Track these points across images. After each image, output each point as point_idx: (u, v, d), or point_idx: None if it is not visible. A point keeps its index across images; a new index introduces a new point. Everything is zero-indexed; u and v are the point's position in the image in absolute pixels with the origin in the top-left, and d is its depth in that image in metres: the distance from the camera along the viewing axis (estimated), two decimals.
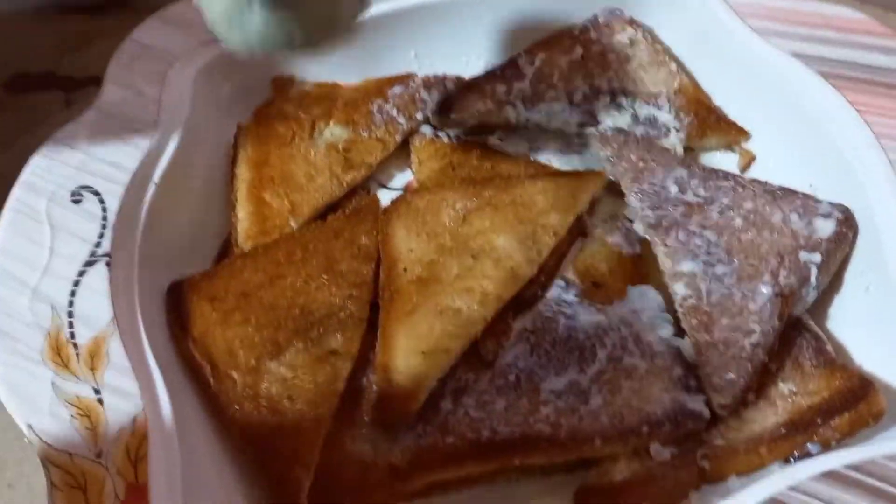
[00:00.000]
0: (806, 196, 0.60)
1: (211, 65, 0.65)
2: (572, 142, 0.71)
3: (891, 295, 0.54)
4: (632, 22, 0.73)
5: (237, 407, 0.52)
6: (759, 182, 0.62)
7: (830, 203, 0.59)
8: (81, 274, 0.52)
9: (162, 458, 0.46)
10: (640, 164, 0.63)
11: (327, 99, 0.71)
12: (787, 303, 0.54)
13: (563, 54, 0.71)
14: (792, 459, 0.50)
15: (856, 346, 0.57)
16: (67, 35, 0.82)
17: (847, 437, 0.50)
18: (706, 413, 0.53)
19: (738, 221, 0.58)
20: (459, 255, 0.60)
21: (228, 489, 0.51)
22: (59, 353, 0.49)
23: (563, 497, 0.53)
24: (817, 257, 0.56)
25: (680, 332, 0.56)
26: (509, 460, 0.51)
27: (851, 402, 0.50)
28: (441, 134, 0.71)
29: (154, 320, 0.54)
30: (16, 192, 0.55)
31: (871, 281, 0.56)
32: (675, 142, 0.68)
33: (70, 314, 0.50)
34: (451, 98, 0.70)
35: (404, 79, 0.72)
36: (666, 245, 0.58)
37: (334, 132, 0.68)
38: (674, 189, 0.61)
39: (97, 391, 0.48)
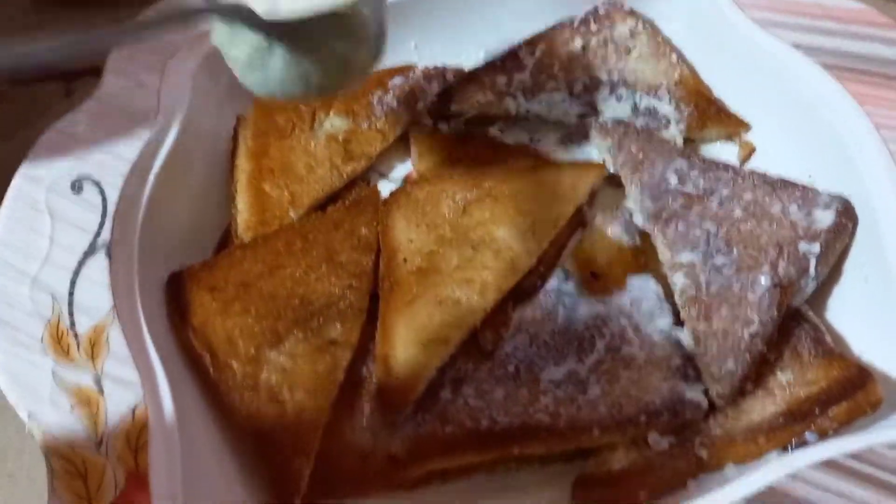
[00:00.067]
0: (805, 187, 0.60)
1: (211, 56, 0.64)
2: (572, 133, 0.71)
3: (889, 285, 0.54)
4: (632, 13, 0.73)
5: (237, 396, 0.53)
6: (758, 173, 0.62)
7: (830, 194, 0.59)
8: (81, 264, 0.52)
9: (162, 446, 0.46)
10: (640, 156, 0.63)
11: None
12: (786, 293, 0.54)
13: (564, 45, 0.71)
14: (790, 449, 0.50)
15: (854, 337, 0.57)
16: (65, 25, 0.82)
17: (845, 426, 0.50)
18: (704, 403, 0.53)
19: (738, 212, 0.58)
20: (459, 246, 0.60)
21: (228, 477, 0.51)
22: (60, 342, 0.49)
23: (562, 486, 0.53)
24: (816, 248, 0.56)
25: (679, 322, 0.56)
26: (508, 449, 0.52)
27: (849, 391, 0.50)
28: (441, 125, 0.71)
29: (154, 310, 0.54)
30: (16, 182, 0.55)
31: (869, 272, 0.56)
32: (675, 133, 0.68)
33: (70, 304, 0.50)
34: (452, 89, 0.70)
35: (404, 70, 0.72)
36: (665, 236, 0.58)
37: (334, 123, 0.68)
38: (673, 180, 0.61)
39: (97, 380, 0.48)
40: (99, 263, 0.52)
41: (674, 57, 0.71)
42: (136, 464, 0.45)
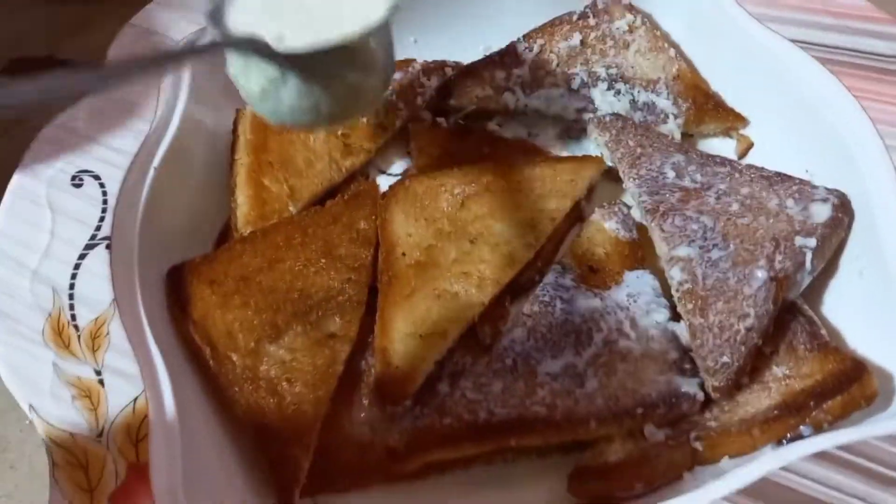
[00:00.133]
0: (802, 182, 0.60)
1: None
2: (571, 127, 0.72)
3: (885, 279, 0.54)
4: (631, 8, 0.73)
5: (237, 389, 0.53)
6: (755, 168, 0.62)
7: (826, 188, 0.59)
8: (82, 257, 0.52)
9: (162, 438, 0.47)
10: (638, 150, 0.64)
11: None
12: (782, 287, 0.55)
13: (562, 40, 0.72)
14: (784, 441, 0.51)
15: (849, 330, 0.57)
16: (67, 19, 0.82)
17: (839, 419, 0.51)
18: (700, 395, 0.53)
19: (735, 207, 0.58)
20: (457, 240, 0.60)
21: (228, 469, 0.51)
22: (61, 334, 0.49)
23: (559, 478, 0.53)
24: (812, 242, 0.56)
25: (675, 315, 0.56)
26: (505, 442, 0.52)
27: (844, 384, 0.51)
28: (440, 120, 0.72)
29: (154, 303, 0.55)
30: (17, 177, 0.55)
31: (865, 265, 0.56)
32: (672, 128, 0.68)
33: (71, 296, 0.51)
34: (451, 84, 0.70)
35: (404, 64, 0.72)
36: (663, 230, 0.58)
37: None
38: (671, 174, 0.61)
39: (98, 372, 0.48)
40: (99, 257, 0.52)
41: (672, 52, 0.72)
42: (136, 455, 0.46)
